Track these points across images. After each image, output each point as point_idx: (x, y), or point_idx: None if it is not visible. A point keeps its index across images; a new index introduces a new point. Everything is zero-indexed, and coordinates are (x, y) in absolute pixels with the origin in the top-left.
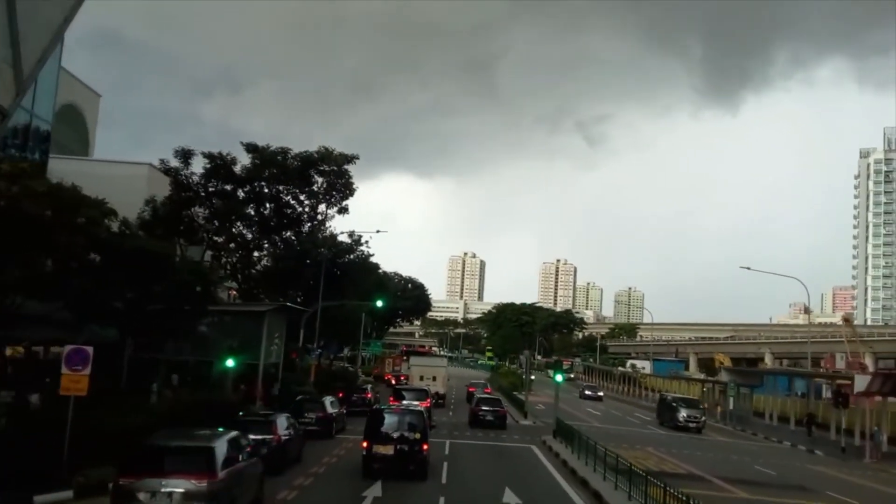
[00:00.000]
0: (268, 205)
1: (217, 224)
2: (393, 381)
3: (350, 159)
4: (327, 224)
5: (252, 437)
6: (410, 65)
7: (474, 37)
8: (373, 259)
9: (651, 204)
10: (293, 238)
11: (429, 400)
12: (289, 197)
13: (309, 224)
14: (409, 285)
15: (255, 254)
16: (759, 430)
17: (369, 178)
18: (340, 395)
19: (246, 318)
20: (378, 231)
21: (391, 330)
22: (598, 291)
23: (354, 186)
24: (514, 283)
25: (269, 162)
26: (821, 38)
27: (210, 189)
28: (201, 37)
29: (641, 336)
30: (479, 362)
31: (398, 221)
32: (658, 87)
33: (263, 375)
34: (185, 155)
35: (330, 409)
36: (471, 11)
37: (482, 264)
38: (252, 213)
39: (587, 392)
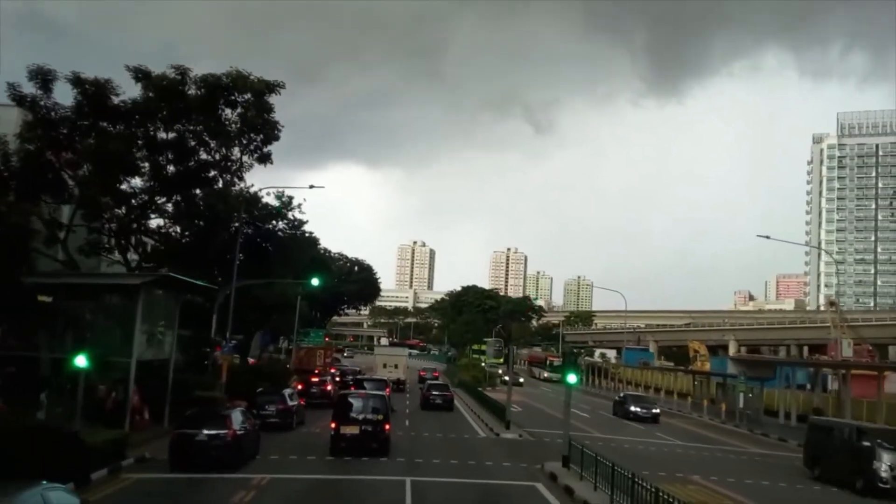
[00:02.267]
0: (168, 154)
1: (91, 174)
2: (316, 380)
3: (273, 87)
4: (244, 177)
5: (205, 432)
6: (353, 52)
7: (418, 25)
8: (309, 231)
9: (600, 193)
10: (198, 195)
11: (388, 389)
12: (191, 139)
13: (219, 176)
14: (356, 268)
15: (154, 220)
16: (774, 432)
17: (316, 169)
18: (299, 386)
19: (110, 296)
20: (312, 186)
21: (336, 319)
22: (548, 280)
23: (279, 126)
24: (465, 272)
25: (167, 93)
26: (761, 27)
27: (83, 126)
28: (141, 12)
29: (596, 324)
30: (432, 353)
31: (346, 212)
32: (604, 75)
33: (145, 377)
34: (45, 78)
35: (290, 402)
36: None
37: (432, 253)
38: (142, 161)
39: (635, 409)
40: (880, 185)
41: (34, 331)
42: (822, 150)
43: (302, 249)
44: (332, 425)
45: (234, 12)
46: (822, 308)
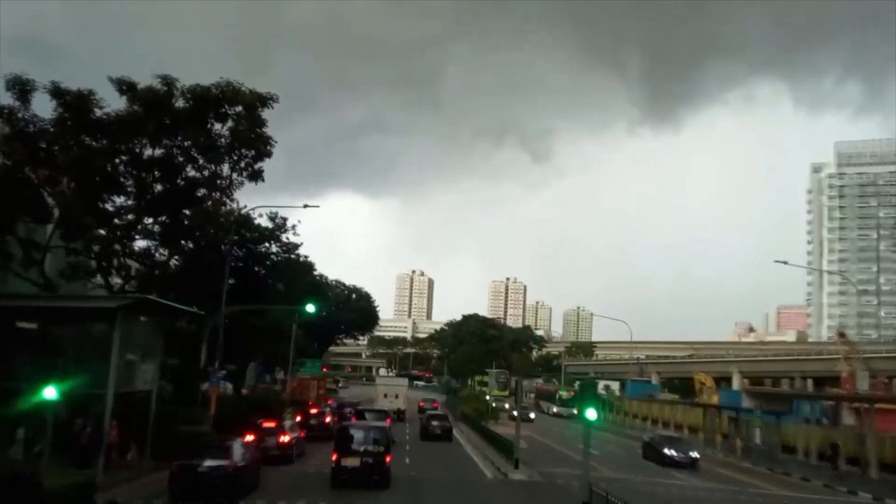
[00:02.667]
0: (155, 172)
1: (73, 191)
2: (315, 411)
3: (265, 100)
4: (234, 196)
5: (206, 463)
6: (350, 80)
7: (414, 53)
8: (304, 253)
9: (598, 222)
10: (186, 215)
11: (388, 420)
12: (179, 155)
13: (209, 195)
14: (354, 296)
15: (140, 241)
16: (795, 470)
17: (313, 197)
18: (298, 417)
19: (88, 322)
20: (306, 206)
21: (334, 349)
22: (548, 310)
23: (272, 141)
24: (464, 302)
25: (153, 106)
26: (755, 58)
27: (64, 140)
28: (131, 40)
29: (597, 355)
30: (431, 384)
31: (344, 242)
32: (600, 104)
33: (124, 410)
34: (23, 88)
35: (290, 434)
36: (410, 29)
37: (430, 283)
38: (127, 177)
39: (671, 453)
40: (881, 214)
41: (11, 359)
42: (820, 180)
43: (297, 274)
44: (334, 457)
45: (228, 41)
46: (830, 339)
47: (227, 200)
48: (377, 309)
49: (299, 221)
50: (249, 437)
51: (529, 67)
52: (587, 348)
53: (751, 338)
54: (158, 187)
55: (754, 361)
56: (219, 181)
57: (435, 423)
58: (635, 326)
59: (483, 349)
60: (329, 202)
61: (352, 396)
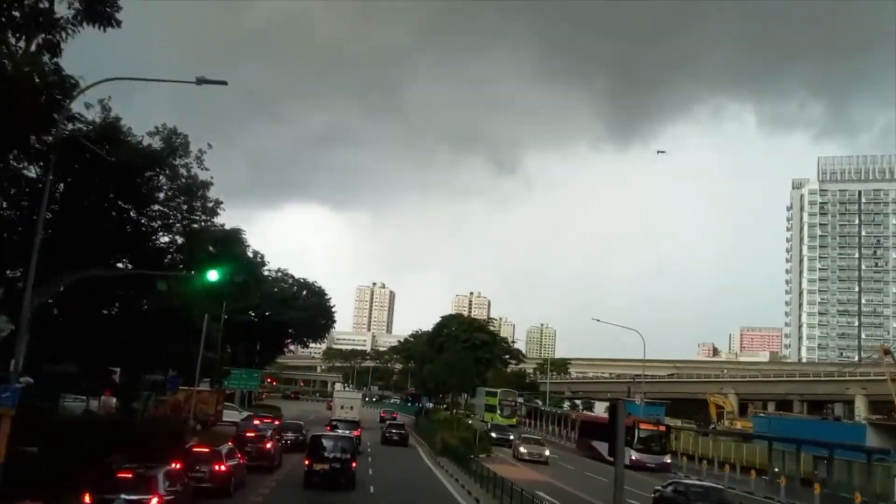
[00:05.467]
0: None
1: None
2: (252, 435)
3: None
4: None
5: (125, 497)
6: (315, 90)
7: (380, 65)
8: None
9: (564, 242)
10: None
11: (359, 430)
12: None
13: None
14: (305, 292)
15: None
16: None
17: (273, 210)
18: (231, 443)
19: None
20: None
21: (286, 362)
22: (511, 327)
23: None
24: (426, 316)
25: None
26: (723, 75)
27: None
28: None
29: (570, 373)
30: (392, 401)
31: (306, 254)
32: (568, 121)
33: None
34: None
35: (227, 462)
36: (376, 39)
37: (392, 295)
38: None
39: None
40: (863, 232)
41: None
42: (801, 196)
43: (213, 243)
44: (306, 462)
45: (191, 46)
46: (874, 357)
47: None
48: (333, 310)
49: (211, 146)
50: (176, 466)
51: (496, 82)
52: (560, 365)
53: (720, 358)
54: None
55: (752, 382)
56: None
57: (394, 430)
58: (598, 346)
59: (469, 358)
60: (291, 213)
61: (300, 413)
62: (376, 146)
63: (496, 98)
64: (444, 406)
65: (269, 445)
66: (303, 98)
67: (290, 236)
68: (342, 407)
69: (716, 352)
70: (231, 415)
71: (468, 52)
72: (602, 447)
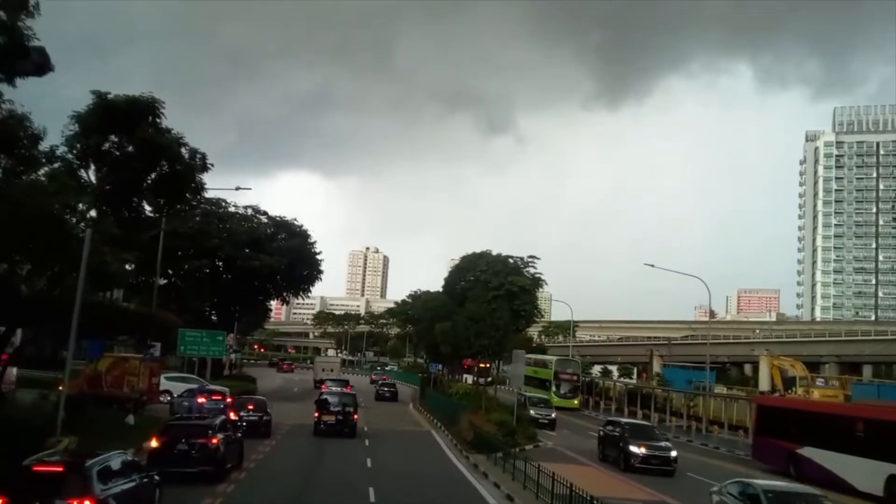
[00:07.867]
0: None
1: None
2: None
3: None
4: None
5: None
6: (301, 51)
7: (369, 22)
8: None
9: (561, 205)
10: None
11: (349, 386)
12: None
13: None
14: (283, 234)
15: None
16: None
17: (263, 177)
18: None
19: None
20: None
21: (273, 327)
22: None
23: None
24: (421, 282)
25: None
26: (728, 27)
27: None
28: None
29: (577, 337)
30: (388, 368)
31: (298, 222)
32: (561, 79)
33: None
34: None
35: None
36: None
37: (386, 260)
38: None
39: None
40: (881, 186)
41: None
42: (816, 149)
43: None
44: (316, 414)
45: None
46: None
47: None
48: (319, 257)
49: None
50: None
51: (484, 38)
52: (566, 328)
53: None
54: None
55: (788, 343)
56: None
57: (384, 388)
58: (595, 309)
59: (505, 310)
60: (282, 182)
61: (284, 385)
62: (365, 109)
63: (487, 56)
64: (478, 378)
65: (215, 440)
66: (288, 60)
67: (282, 205)
68: (323, 370)
69: (713, 314)
70: (177, 389)
71: (454, 14)
72: (834, 462)
